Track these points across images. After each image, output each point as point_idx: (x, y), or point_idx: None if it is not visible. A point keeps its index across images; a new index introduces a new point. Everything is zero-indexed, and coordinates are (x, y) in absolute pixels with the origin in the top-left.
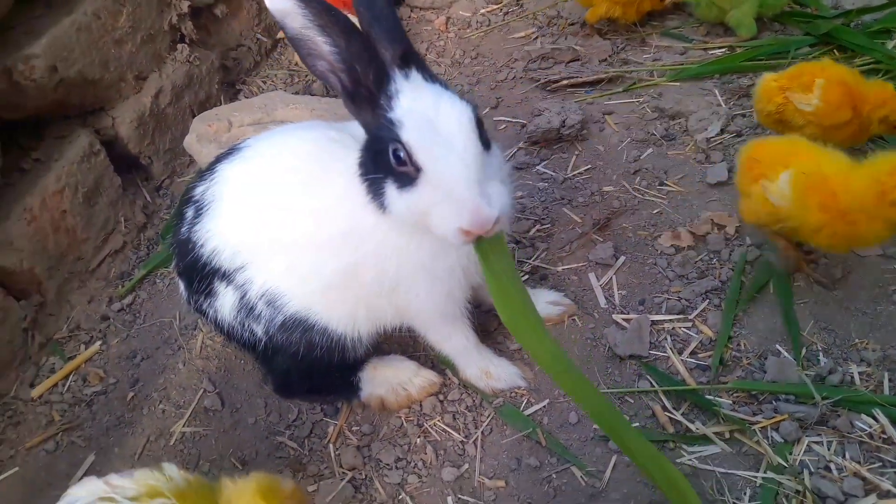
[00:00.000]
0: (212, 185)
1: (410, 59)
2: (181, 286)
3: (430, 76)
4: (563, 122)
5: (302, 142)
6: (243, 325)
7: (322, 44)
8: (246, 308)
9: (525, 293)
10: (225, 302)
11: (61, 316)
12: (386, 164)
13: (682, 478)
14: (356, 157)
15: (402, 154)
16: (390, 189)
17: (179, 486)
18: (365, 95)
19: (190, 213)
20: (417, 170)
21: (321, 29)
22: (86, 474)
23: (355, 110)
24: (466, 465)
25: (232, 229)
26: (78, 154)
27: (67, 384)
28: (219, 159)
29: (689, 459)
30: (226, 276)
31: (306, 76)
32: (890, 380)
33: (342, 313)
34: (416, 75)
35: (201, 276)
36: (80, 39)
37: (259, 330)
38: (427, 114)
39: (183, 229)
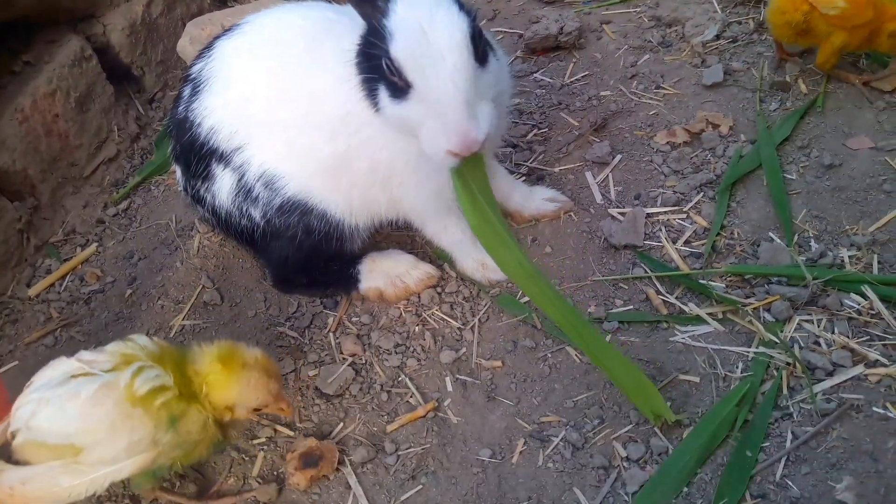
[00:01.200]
0: (209, 61)
1: None
2: (178, 173)
3: None
4: (561, 28)
5: (300, 18)
6: (241, 210)
7: None
8: (244, 191)
9: (495, 205)
10: (223, 185)
11: (56, 220)
12: (378, 68)
13: (643, 376)
14: (354, 41)
15: (392, 66)
16: (383, 94)
17: (153, 351)
18: None
19: (187, 91)
20: (408, 85)
21: None
22: None
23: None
24: (464, 349)
25: (230, 106)
26: (69, 57)
27: (64, 284)
28: (217, 37)
29: (683, 338)
30: (223, 158)
31: None
32: (879, 262)
33: (339, 199)
34: None
35: (199, 157)
36: None
37: (257, 214)
38: (421, 25)
39: (180, 108)
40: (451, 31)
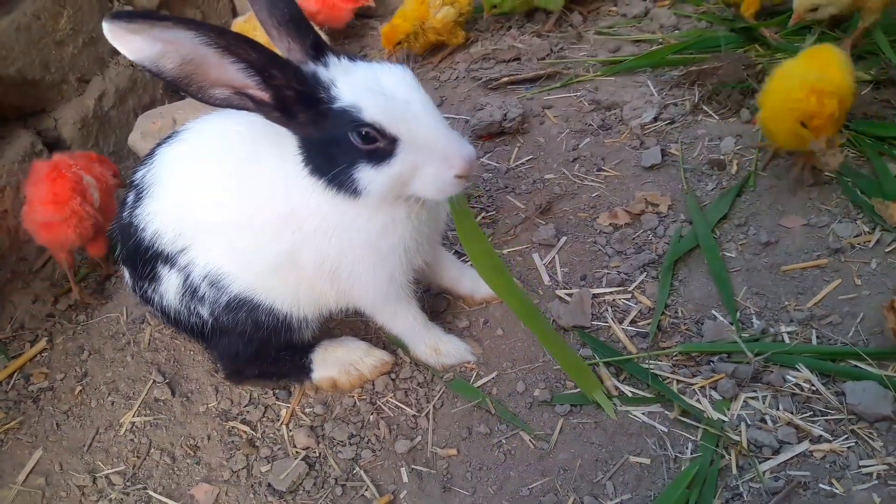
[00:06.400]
0: (151, 168)
1: (321, 47)
2: (126, 275)
3: (348, 56)
4: (505, 115)
5: (239, 124)
6: (189, 309)
7: (216, 69)
8: (190, 290)
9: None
10: (169, 286)
11: (4, 316)
12: (350, 151)
13: (583, 363)
14: (294, 141)
15: (370, 133)
16: (364, 172)
17: None
18: (293, 98)
19: (131, 197)
20: (392, 141)
21: (225, 49)
22: (33, 470)
23: (285, 118)
24: (419, 438)
25: (172, 210)
26: (19, 154)
27: (12, 382)
28: (159, 144)
29: (632, 419)
30: (168, 260)
31: None
32: (817, 336)
33: (285, 294)
34: (335, 60)
35: (144, 260)
36: (20, 39)
37: (205, 312)
38: (374, 88)
39: (124, 214)
40: (402, 79)
